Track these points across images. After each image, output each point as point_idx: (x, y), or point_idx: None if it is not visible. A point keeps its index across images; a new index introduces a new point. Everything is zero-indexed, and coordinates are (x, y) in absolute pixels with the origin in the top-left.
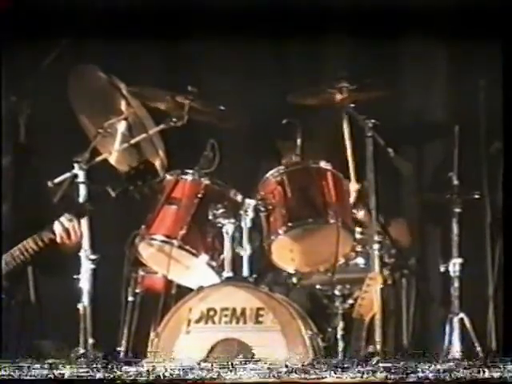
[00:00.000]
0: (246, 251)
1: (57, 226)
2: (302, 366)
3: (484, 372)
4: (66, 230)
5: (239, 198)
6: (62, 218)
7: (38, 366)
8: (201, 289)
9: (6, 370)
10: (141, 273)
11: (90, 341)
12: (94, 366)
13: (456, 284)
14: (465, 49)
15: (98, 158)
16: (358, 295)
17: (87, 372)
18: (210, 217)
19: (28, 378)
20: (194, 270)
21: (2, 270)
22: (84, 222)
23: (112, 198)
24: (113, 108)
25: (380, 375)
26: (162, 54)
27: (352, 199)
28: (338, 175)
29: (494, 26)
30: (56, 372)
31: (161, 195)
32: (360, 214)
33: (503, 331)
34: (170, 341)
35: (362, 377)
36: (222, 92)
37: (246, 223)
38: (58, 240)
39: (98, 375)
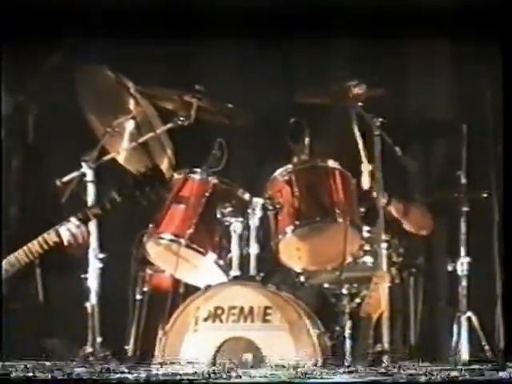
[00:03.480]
0: (253, 250)
1: (63, 231)
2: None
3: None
4: (73, 235)
5: (247, 196)
6: (69, 224)
7: (45, 364)
8: (208, 287)
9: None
10: (148, 271)
11: (98, 339)
12: (102, 365)
13: (464, 283)
14: (473, 47)
15: (106, 157)
16: (366, 294)
17: (94, 371)
18: (218, 215)
19: (35, 377)
20: (201, 269)
21: (8, 272)
22: (92, 222)
23: (118, 202)
24: (121, 107)
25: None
26: (170, 53)
27: (365, 181)
28: (346, 174)
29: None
30: (63, 371)
31: (169, 194)
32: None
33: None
34: (177, 339)
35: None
36: (230, 91)
37: (254, 222)
38: (65, 243)
39: (106, 375)
